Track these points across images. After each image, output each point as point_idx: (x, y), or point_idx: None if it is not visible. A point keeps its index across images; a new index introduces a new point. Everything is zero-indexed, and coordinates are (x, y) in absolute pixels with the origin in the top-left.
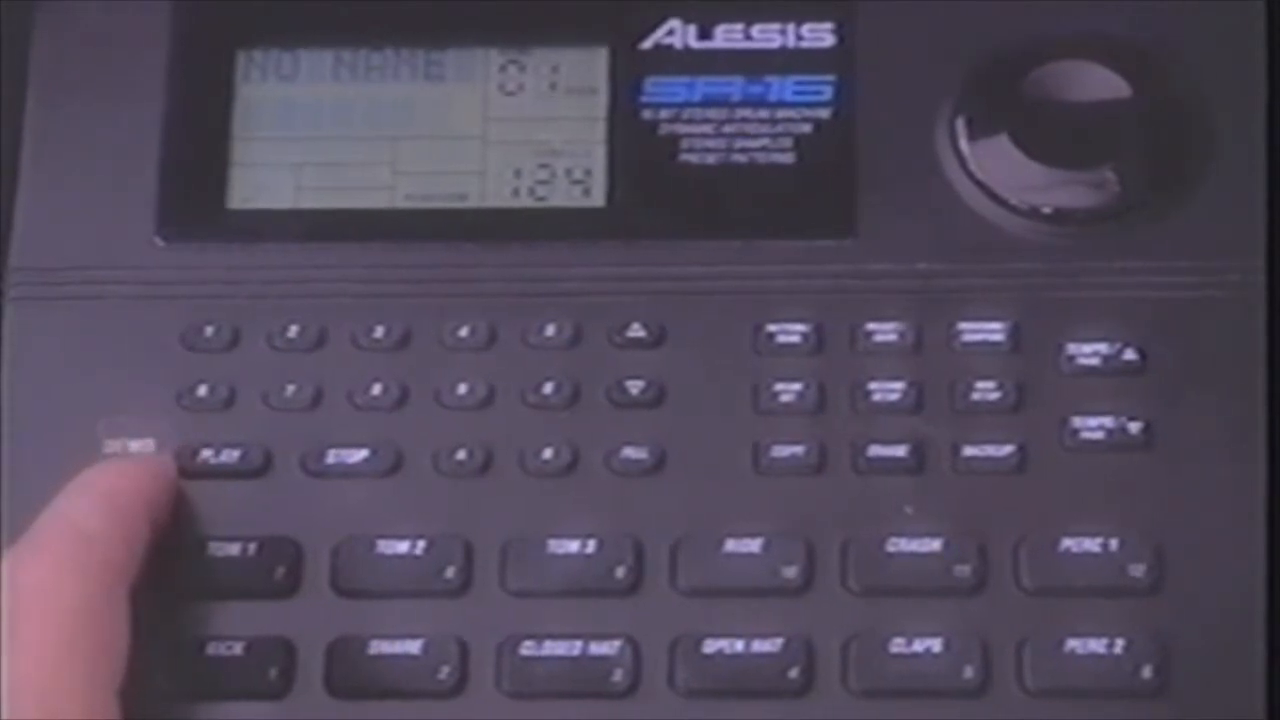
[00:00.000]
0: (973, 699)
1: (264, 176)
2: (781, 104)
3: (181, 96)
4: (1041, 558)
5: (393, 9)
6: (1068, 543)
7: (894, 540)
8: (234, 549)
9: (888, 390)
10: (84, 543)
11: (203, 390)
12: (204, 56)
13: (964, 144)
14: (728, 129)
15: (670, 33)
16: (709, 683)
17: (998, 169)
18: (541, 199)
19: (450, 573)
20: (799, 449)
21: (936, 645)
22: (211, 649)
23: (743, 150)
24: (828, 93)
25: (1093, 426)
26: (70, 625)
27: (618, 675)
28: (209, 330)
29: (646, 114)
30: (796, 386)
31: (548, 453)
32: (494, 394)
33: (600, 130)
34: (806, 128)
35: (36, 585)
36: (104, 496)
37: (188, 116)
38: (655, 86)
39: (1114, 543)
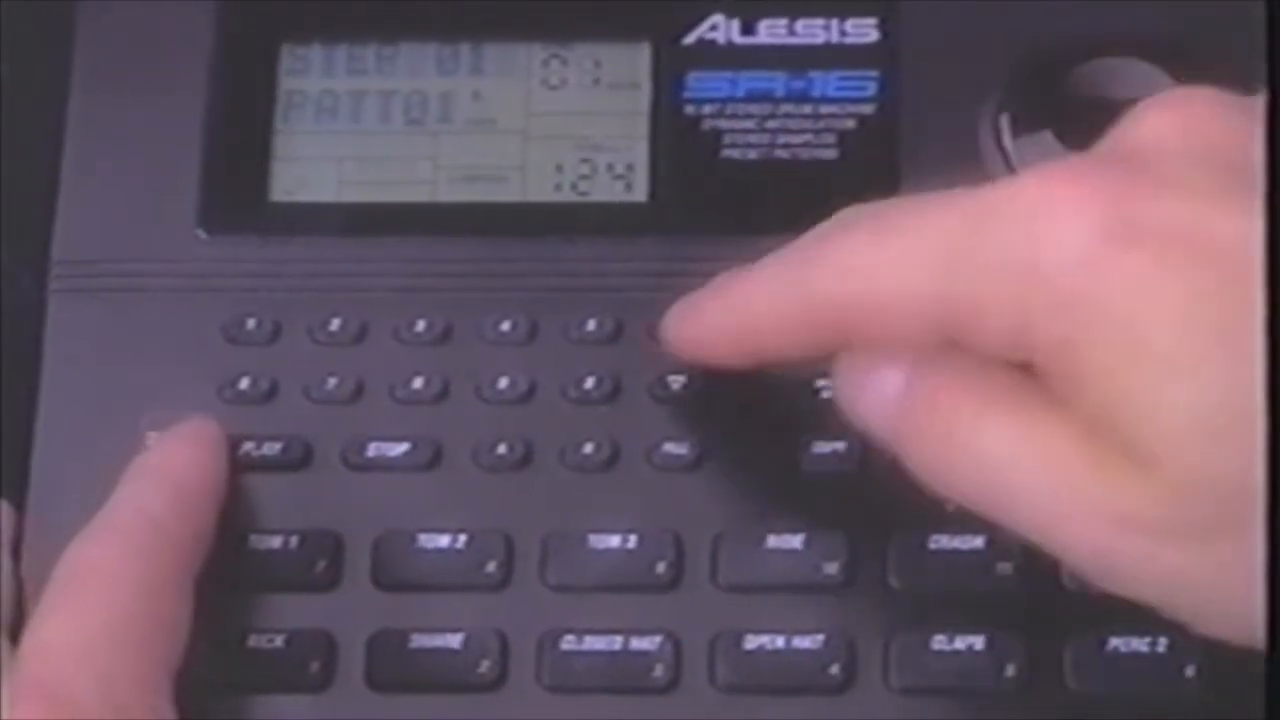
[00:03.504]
0: (1015, 698)
1: (306, 170)
2: (825, 99)
3: (225, 90)
4: None
5: (436, 4)
6: None
7: (935, 538)
8: (275, 542)
9: None
10: (151, 528)
11: (244, 383)
12: (248, 50)
13: (1007, 140)
14: (771, 124)
15: (714, 28)
16: (749, 679)
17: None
18: (583, 194)
19: (491, 567)
20: (841, 445)
21: (979, 643)
22: (253, 641)
23: (785, 146)
24: (871, 88)
25: None
26: (132, 604)
27: (658, 671)
28: (251, 323)
29: (689, 109)
30: None
31: (588, 447)
32: (535, 388)
33: (643, 125)
34: (850, 123)
35: (101, 564)
36: (173, 484)
37: (231, 109)
38: (698, 82)
39: None
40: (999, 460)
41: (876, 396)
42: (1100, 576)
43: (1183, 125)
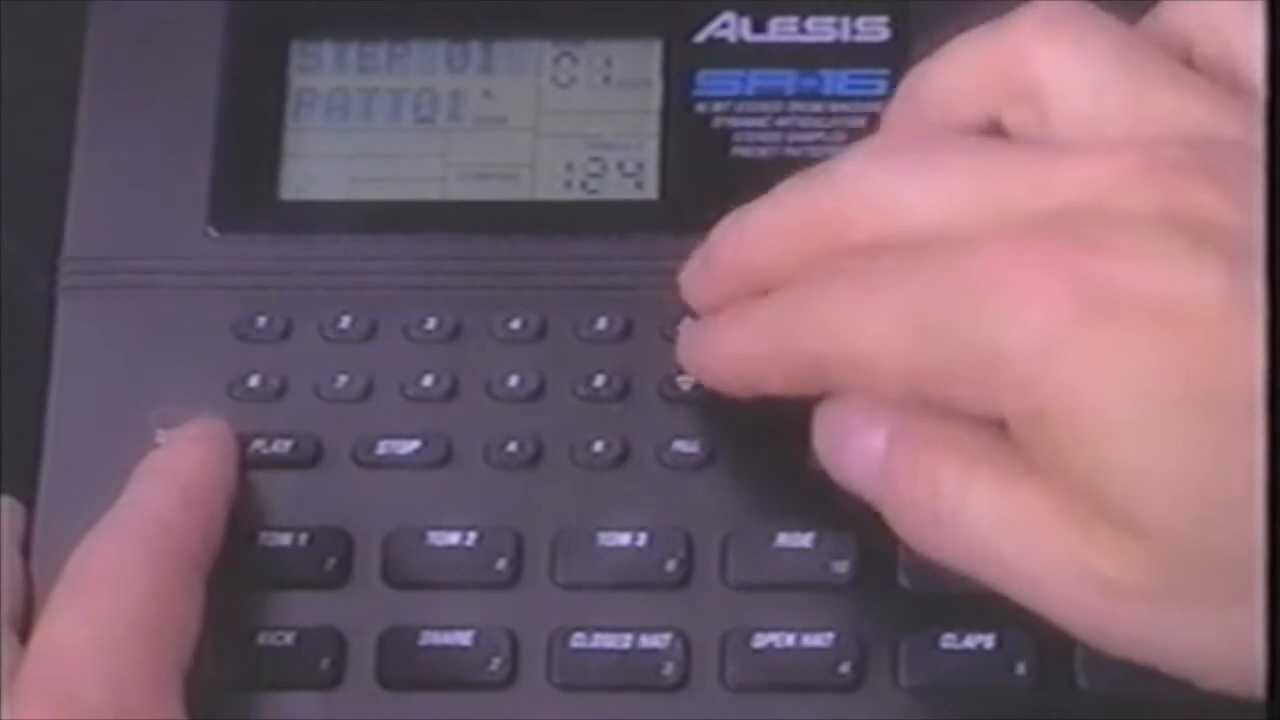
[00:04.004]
0: (1026, 696)
1: (317, 168)
2: (835, 98)
3: (235, 87)
4: None
5: (447, 2)
6: None
7: None
8: (285, 539)
9: None
10: (161, 528)
11: (254, 381)
12: (258, 48)
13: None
14: (781, 122)
15: (724, 26)
16: (759, 677)
17: None
18: (594, 192)
19: (501, 564)
20: None
21: (989, 642)
22: (263, 639)
23: (796, 144)
24: (882, 87)
25: None
26: (141, 605)
27: (668, 669)
28: (261, 321)
29: (700, 107)
30: None
31: (598, 445)
32: (545, 386)
33: (653, 123)
34: (860, 122)
35: (110, 563)
36: (183, 484)
37: (241, 107)
38: (708, 80)
39: None
40: (984, 526)
41: (858, 457)
42: (1094, 641)
43: (1139, 178)
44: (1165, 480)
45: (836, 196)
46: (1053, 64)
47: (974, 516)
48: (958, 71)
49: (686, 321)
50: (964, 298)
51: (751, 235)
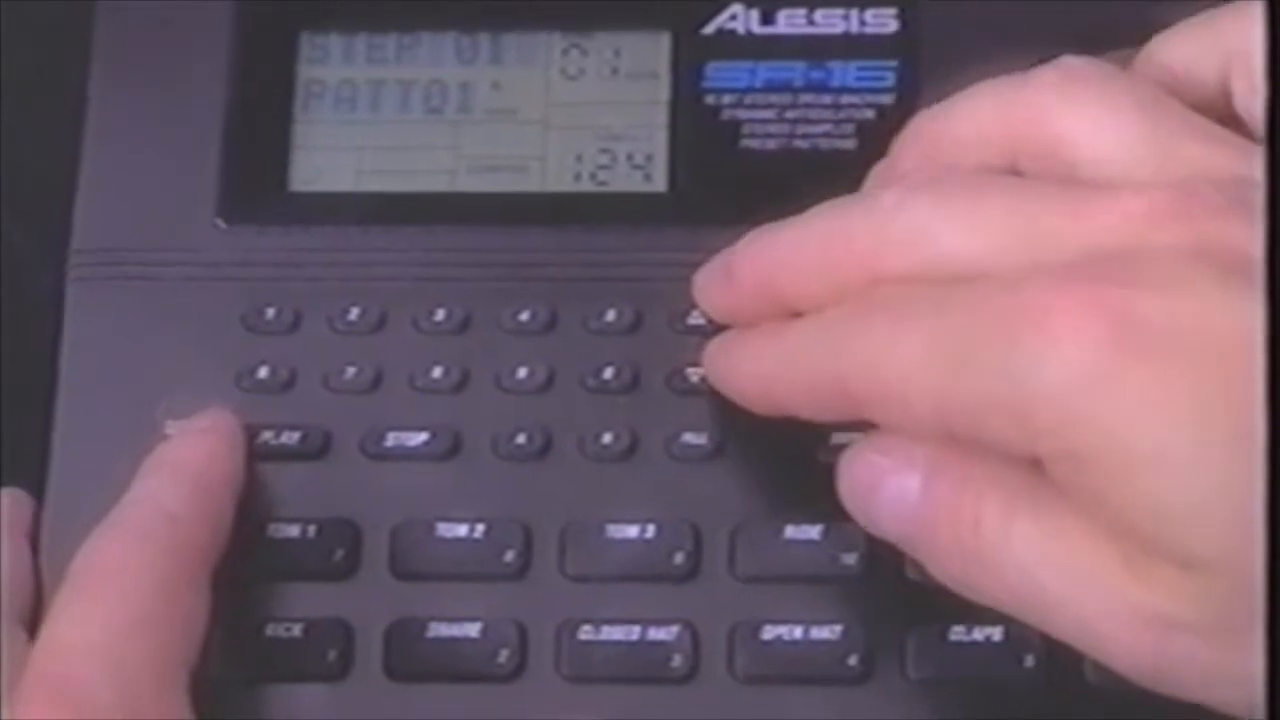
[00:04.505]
0: (1033, 689)
1: (325, 159)
2: (844, 90)
3: (244, 79)
4: None
5: None
6: None
7: None
8: (293, 530)
9: None
10: (169, 524)
11: (263, 372)
12: (267, 39)
13: None
14: (790, 115)
15: (733, 18)
16: (767, 669)
17: None
18: (603, 184)
19: (509, 556)
20: (860, 435)
21: (997, 634)
22: (270, 630)
23: (805, 136)
24: (890, 79)
25: None
26: (149, 601)
27: (676, 661)
28: (270, 312)
29: (709, 99)
30: None
31: (607, 437)
32: (554, 378)
33: (662, 115)
34: (869, 114)
35: (117, 560)
36: (191, 479)
37: (250, 99)
38: (717, 72)
39: None
40: (1028, 566)
41: (892, 499)
42: (1143, 677)
43: (1170, 213)
44: (1213, 513)
45: (873, 227)
46: (1074, 122)
47: (1018, 555)
48: (974, 122)
49: (715, 339)
50: (1000, 334)
51: (780, 256)
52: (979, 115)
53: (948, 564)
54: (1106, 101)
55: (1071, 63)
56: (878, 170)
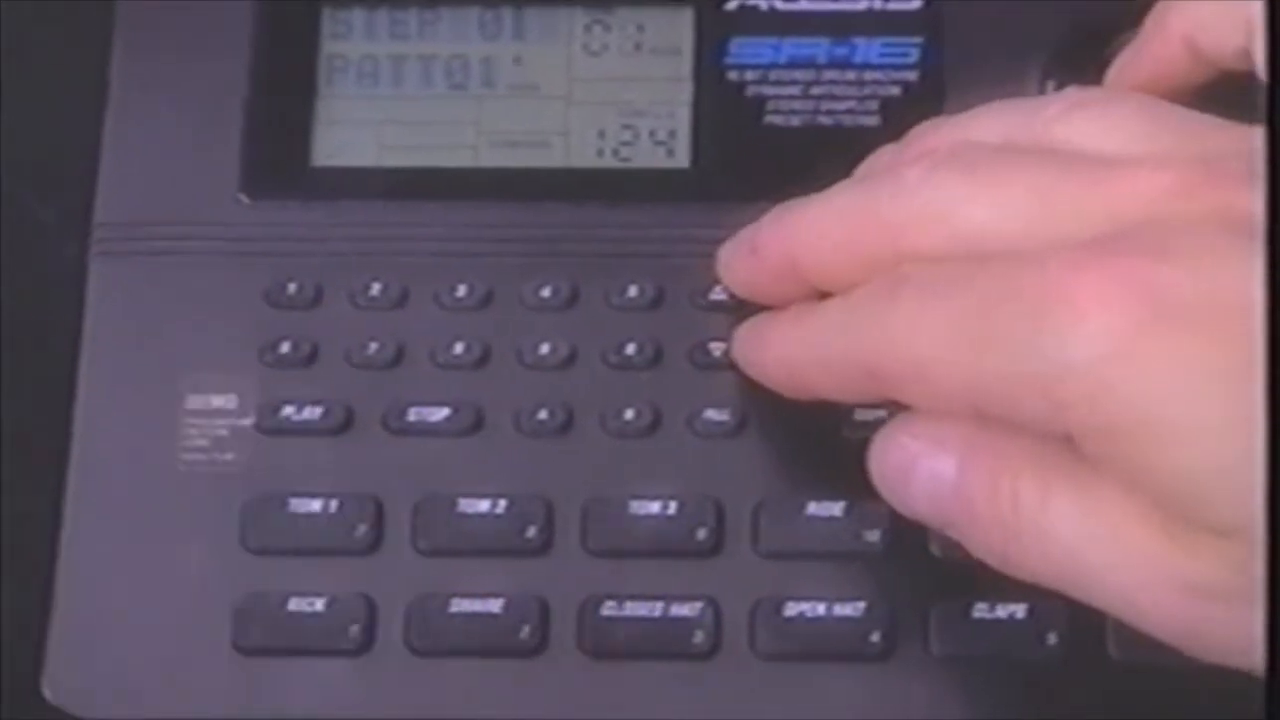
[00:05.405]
0: (1057, 666)
1: (348, 134)
2: (868, 66)
3: (267, 53)
4: None
5: None
6: None
7: None
8: (315, 505)
9: None
10: None
11: (285, 347)
12: (290, 14)
13: None
14: (814, 91)
15: None
16: (790, 646)
17: None
18: (625, 160)
19: (531, 532)
20: (883, 412)
21: (1020, 611)
22: (293, 605)
23: (829, 112)
24: (914, 55)
25: None
26: None
27: (698, 637)
28: (292, 287)
29: (732, 75)
30: None
31: (629, 413)
32: (576, 354)
33: (685, 91)
34: (894, 90)
35: None
36: None
37: (273, 73)
38: (740, 48)
39: None
40: (1069, 539)
41: (927, 482)
42: (1188, 646)
43: (1196, 184)
44: (1245, 480)
45: (899, 204)
46: (1083, 136)
47: (1058, 530)
48: (985, 133)
49: (742, 326)
50: (1028, 311)
51: (805, 232)
52: (990, 130)
53: (989, 544)
54: (1122, 107)
55: (1080, 89)
56: (877, 156)
